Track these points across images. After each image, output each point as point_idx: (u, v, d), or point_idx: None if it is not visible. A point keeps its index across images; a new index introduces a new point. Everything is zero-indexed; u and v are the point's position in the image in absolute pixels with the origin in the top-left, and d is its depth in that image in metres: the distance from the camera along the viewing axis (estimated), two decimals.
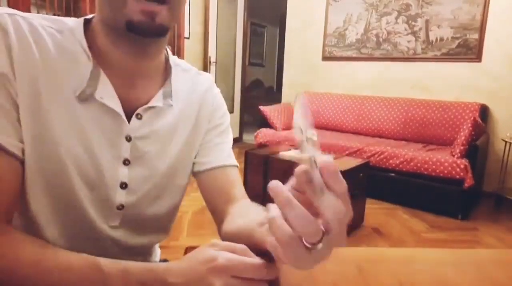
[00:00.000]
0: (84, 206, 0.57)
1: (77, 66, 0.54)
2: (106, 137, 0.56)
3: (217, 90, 0.74)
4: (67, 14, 3.19)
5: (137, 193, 0.61)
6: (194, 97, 0.68)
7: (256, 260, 0.42)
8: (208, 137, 0.70)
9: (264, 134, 3.81)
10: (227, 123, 0.73)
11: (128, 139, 0.58)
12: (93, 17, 0.58)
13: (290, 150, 2.77)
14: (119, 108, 0.56)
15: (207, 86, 0.71)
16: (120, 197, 0.60)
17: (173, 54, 0.64)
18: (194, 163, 0.70)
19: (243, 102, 5.62)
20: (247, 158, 2.75)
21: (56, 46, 0.54)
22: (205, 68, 4.71)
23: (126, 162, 0.59)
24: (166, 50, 0.64)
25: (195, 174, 0.70)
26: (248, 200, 0.68)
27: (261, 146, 3.76)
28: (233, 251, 0.43)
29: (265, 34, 7.88)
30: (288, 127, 3.91)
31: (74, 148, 0.54)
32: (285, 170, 2.50)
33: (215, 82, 0.77)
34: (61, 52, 0.54)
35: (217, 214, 0.67)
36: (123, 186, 0.59)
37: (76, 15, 3.24)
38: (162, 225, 0.69)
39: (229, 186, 0.67)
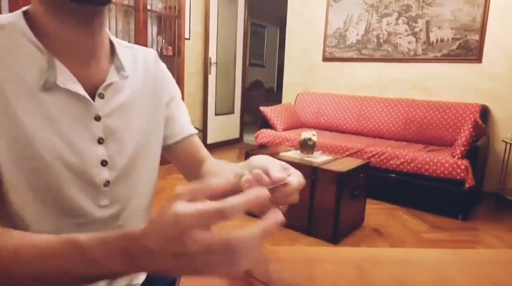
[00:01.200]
0: (71, 192, 0.58)
1: (30, 59, 0.54)
2: (77, 121, 0.58)
3: (163, 63, 0.77)
4: None
5: (117, 168, 0.63)
6: (146, 70, 0.71)
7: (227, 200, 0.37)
8: (169, 111, 0.74)
9: (264, 135, 3.81)
10: (180, 94, 0.78)
11: (97, 119, 0.60)
12: (29, 8, 0.58)
13: (290, 150, 2.77)
14: (82, 91, 0.57)
15: (154, 60, 0.74)
16: (104, 174, 0.61)
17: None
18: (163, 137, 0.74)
19: (243, 103, 5.62)
20: (247, 159, 2.74)
21: (1, 45, 0.53)
22: (206, 68, 4.72)
23: (100, 141, 0.61)
24: (107, 31, 0.66)
25: (165, 148, 0.75)
26: (213, 158, 0.79)
27: (262, 146, 3.76)
28: (194, 196, 0.39)
29: (266, 35, 7.89)
30: (289, 128, 3.91)
31: (49, 138, 0.55)
32: None
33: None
34: (9, 50, 0.54)
35: (193, 177, 0.76)
36: (104, 163, 0.61)
37: None
38: (143, 201, 0.71)
39: (199, 152, 0.77)
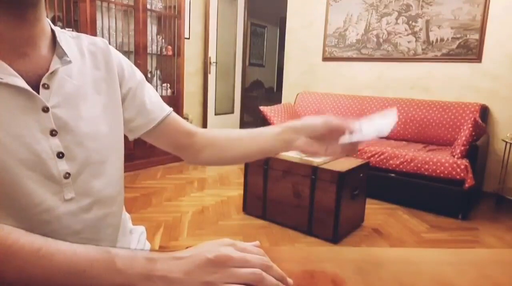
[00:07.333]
0: (30, 187, 0.55)
1: None
2: (23, 114, 0.56)
3: (116, 51, 0.74)
4: (67, 14, 3.19)
5: (78, 159, 0.61)
6: (95, 59, 0.68)
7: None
8: (138, 99, 0.73)
9: None
10: (143, 76, 0.77)
11: (46, 110, 0.57)
12: None
13: None
14: (22, 84, 0.55)
15: (104, 48, 0.70)
16: (62, 166, 0.59)
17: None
18: (137, 127, 0.74)
19: (243, 103, 5.62)
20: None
21: None
22: (206, 68, 4.72)
23: (53, 133, 0.58)
24: (49, 21, 0.64)
25: (145, 134, 0.76)
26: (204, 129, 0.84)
27: None
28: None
29: (265, 35, 7.89)
30: None
31: None
32: (285, 170, 2.50)
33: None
34: None
35: (185, 148, 0.81)
36: (60, 155, 0.59)
37: (76, 15, 3.24)
38: (113, 193, 0.69)
39: (181, 125, 0.80)
